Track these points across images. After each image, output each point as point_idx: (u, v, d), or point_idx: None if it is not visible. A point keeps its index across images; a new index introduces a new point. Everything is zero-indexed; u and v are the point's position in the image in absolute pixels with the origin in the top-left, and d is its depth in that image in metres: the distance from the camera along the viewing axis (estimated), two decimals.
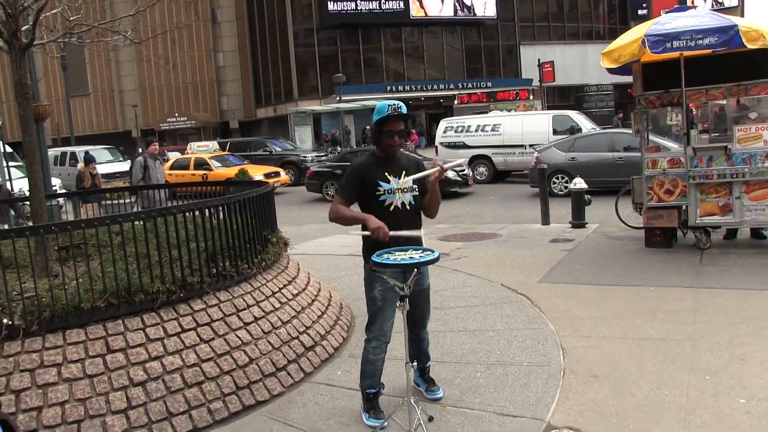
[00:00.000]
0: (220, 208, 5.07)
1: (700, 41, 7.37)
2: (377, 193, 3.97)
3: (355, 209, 4.04)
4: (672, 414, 3.89)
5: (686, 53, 7.94)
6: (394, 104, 3.94)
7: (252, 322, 4.86)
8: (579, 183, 10.95)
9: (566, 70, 42.04)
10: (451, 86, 41.05)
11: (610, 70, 8.48)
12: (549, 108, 29.98)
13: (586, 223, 10.81)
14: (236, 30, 48.65)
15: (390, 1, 40.73)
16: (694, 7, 8.35)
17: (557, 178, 15.48)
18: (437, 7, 41.88)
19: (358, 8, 40.33)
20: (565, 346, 5.17)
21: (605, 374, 4.57)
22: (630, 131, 16.57)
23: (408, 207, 4.00)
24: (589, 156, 15.08)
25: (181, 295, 4.59)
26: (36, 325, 4.09)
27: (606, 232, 10.18)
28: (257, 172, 19.18)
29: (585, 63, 44.96)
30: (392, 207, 3.97)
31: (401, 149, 4.11)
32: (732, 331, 5.23)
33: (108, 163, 24.29)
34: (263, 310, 5.04)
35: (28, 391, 3.89)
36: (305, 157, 24.73)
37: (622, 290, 6.70)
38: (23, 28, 5.70)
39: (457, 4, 42.19)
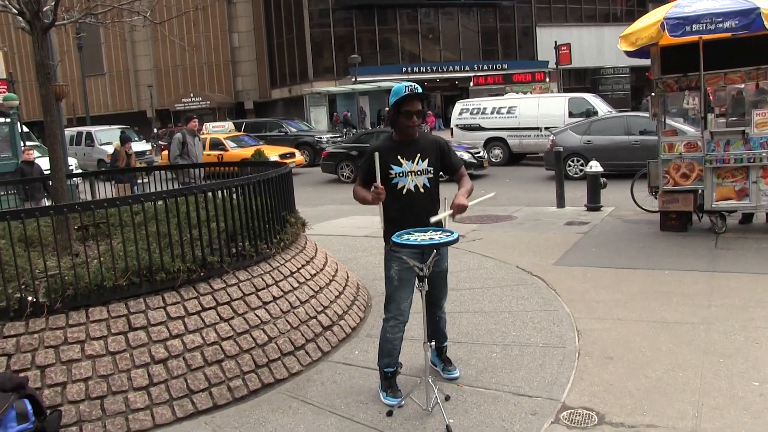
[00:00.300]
0: (240, 189, 5.11)
1: (721, 24, 7.29)
2: (390, 176, 4.01)
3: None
4: (686, 396, 3.92)
5: (705, 36, 7.86)
6: (411, 85, 3.97)
7: (271, 302, 4.94)
8: (595, 166, 10.91)
9: (582, 53, 41.55)
10: (467, 68, 40.77)
11: (628, 53, 8.43)
12: (565, 91, 29.78)
13: (602, 206, 10.79)
14: (251, 10, 48.51)
15: None
16: None
17: (573, 161, 15.43)
18: None
19: None
20: (581, 328, 5.21)
21: (620, 356, 4.61)
22: (646, 114, 16.55)
23: (422, 190, 4.03)
24: (605, 139, 15.01)
25: (202, 274, 4.67)
26: (60, 303, 4.19)
27: (621, 215, 10.17)
28: (273, 153, 19.24)
29: (601, 45, 44.46)
30: (405, 190, 4.01)
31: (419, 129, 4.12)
32: (746, 314, 5.25)
33: None
34: (282, 290, 5.11)
35: (53, 367, 4.00)
36: (320, 138, 24.75)
37: (637, 273, 6.72)
38: (44, 9, 5.75)
39: None
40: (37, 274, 4.37)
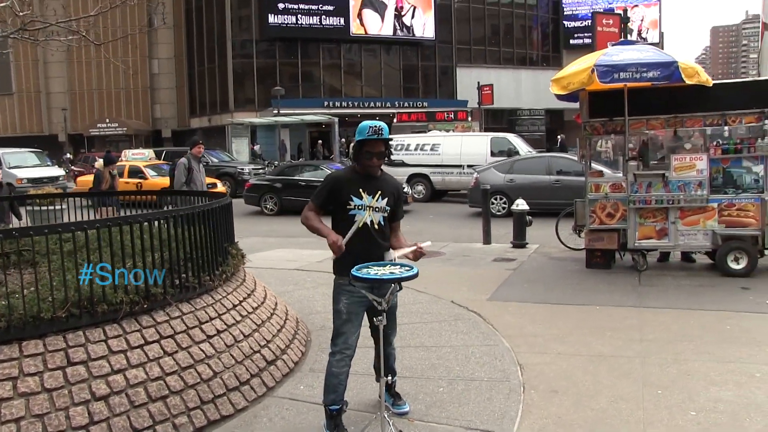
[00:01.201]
0: (184, 218, 4.97)
1: (645, 74, 7.77)
2: (348, 207, 4.01)
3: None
4: (631, 426, 4.06)
5: (630, 84, 8.34)
6: (375, 126, 3.97)
7: (215, 335, 4.79)
8: (521, 204, 11.27)
9: (500, 94, 43.01)
10: (388, 104, 41.43)
11: (559, 96, 8.82)
12: (485, 130, 30.69)
13: (527, 243, 11.12)
14: (173, 37, 47.70)
15: (331, 17, 40.84)
16: (636, 41, 8.77)
17: (495, 199, 15.85)
18: (377, 26, 42.30)
19: (299, 22, 40.27)
20: (522, 362, 5.32)
21: (564, 389, 4.72)
22: (568, 156, 17.30)
23: (376, 226, 4.05)
24: (527, 178, 15.54)
25: (145, 306, 4.48)
26: None
27: (547, 252, 10.50)
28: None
29: (518, 87, 46.36)
30: (361, 223, 4.02)
31: (377, 169, 4.13)
32: (676, 348, 5.51)
33: (35, 167, 23.30)
34: (225, 323, 4.97)
35: None
36: (242, 169, 24.43)
37: (569, 309, 6.94)
38: None
39: (396, 24, 42.73)
40: None
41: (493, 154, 19.58)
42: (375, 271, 3.68)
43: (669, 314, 6.57)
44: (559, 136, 35.34)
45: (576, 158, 16.23)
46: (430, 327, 6.37)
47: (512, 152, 19.25)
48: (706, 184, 8.40)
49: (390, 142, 4.08)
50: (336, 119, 31.30)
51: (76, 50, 44.11)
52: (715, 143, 8.66)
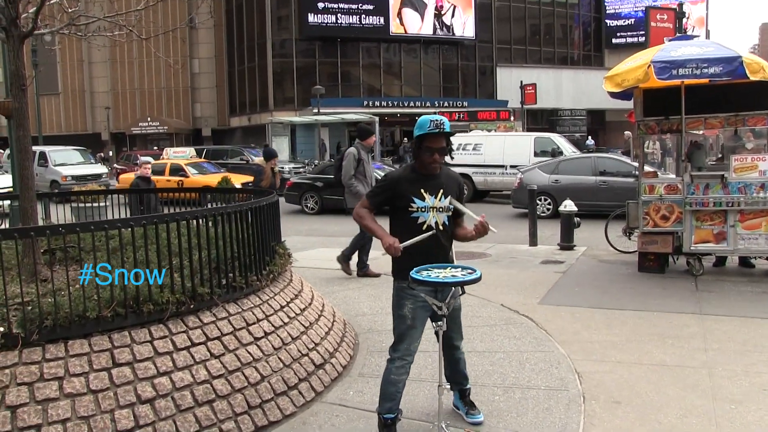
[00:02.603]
0: (232, 216, 4.83)
1: (706, 70, 7.40)
2: (410, 209, 3.82)
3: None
4: None
5: (686, 81, 7.98)
6: (437, 120, 3.77)
7: (262, 337, 4.64)
8: (569, 205, 10.93)
9: (540, 94, 42.40)
10: (427, 104, 41.17)
11: (612, 94, 8.50)
12: (528, 130, 30.22)
13: (575, 246, 10.79)
14: (213, 37, 48.22)
15: (370, 17, 40.79)
16: (696, 35, 8.44)
17: (540, 200, 15.49)
18: (417, 25, 42.10)
19: (338, 22, 40.31)
20: (580, 370, 5.06)
21: (627, 400, 4.46)
22: (614, 156, 16.88)
23: (441, 227, 3.85)
24: (573, 179, 15.14)
25: (191, 306, 4.35)
26: (36, 334, 3.82)
27: (596, 255, 10.17)
28: (236, 182, 18.83)
29: (559, 87, 45.62)
30: (425, 225, 3.82)
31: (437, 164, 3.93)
32: (746, 359, 5.18)
33: (79, 165, 23.67)
34: (273, 325, 4.82)
35: (26, 407, 3.60)
36: (282, 167, 24.43)
37: (625, 314, 6.64)
38: (23, 16, 5.43)
39: (436, 23, 42.48)
40: (9, 301, 3.99)
41: (536, 154, 19.19)
42: (435, 274, 3.48)
43: (733, 322, 6.22)
44: (588, 138, 34.67)
45: (621, 159, 15.89)
46: (482, 331, 6.14)
47: (556, 152, 18.85)
48: None
49: (452, 137, 3.87)
50: (377, 118, 31.14)
51: (119, 50, 45.02)
52: None
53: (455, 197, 3.91)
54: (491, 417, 4.23)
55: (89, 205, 11.78)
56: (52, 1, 5.54)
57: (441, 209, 3.84)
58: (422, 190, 3.82)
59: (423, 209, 3.81)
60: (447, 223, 3.87)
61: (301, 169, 24.46)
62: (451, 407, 4.30)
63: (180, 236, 4.40)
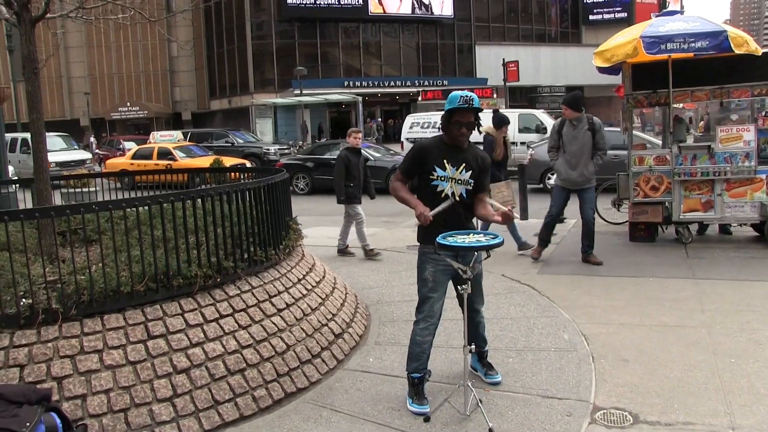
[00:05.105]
0: (250, 192, 4.98)
1: (693, 44, 7.65)
2: (431, 177, 4.02)
3: None
4: (711, 394, 4.05)
5: (673, 56, 8.22)
6: (466, 96, 3.95)
7: (284, 309, 4.82)
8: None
9: (519, 71, 42.86)
10: (408, 83, 41.28)
11: (600, 69, 8.71)
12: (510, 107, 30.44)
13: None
14: (191, 20, 47.63)
15: None
16: (681, 11, 8.66)
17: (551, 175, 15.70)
18: (395, 5, 41.99)
19: (317, 2, 40.07)
20: (586, 332, 5.31)
21: (634, 358, 4.72)
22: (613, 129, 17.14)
23: (457, 198, 4.05)
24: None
25: (218, 279, 4.52)
26: (74, 310, 3.97)
27: None
28: (228, 164, 18.83)
29: (537, 64, 45.83)
30: (443, 194, 4.03)
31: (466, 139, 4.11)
32: (741, 317, 5.48)
33: (62, 151, 23.47)
34: (293, 297, 5.01)
35: (71, 378, 3.77)
36: (268, 149, 24.48)
37: (623, 281, 6.92)
38: None
39: (415, 2, 42.38)
40: (46, 279, 4.13)
41: (520, 130, 19.42)
42: (461, 239, 3.69)
43: (726, 285, 6.52)
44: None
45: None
46: (487, 300, 6.18)
47: (540, 128, 19.12)
48: (754, 156, 8.28)
49: (480, 113, 4.05)
50: (360, 98, 31.18)
51: (96, 35, 44.33)
52: (764, 114, 8.53)
53: (477, 173, 4.08)
54: (508, 377, 4.47)
55: (78, 190, 11.78)
56: None
57: (460, 181, 4.03)
58: (445, 161, 4.01)
59: (443, 178, 4.01)
60: (464, 195, 4.07)
61: (287, 151, 24.48)
62: (469, 369, 4.53)
63: (205, 213, 4.55)
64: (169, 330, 4.16)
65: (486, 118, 6.25)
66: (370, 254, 8.74)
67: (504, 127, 9.03)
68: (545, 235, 8.32)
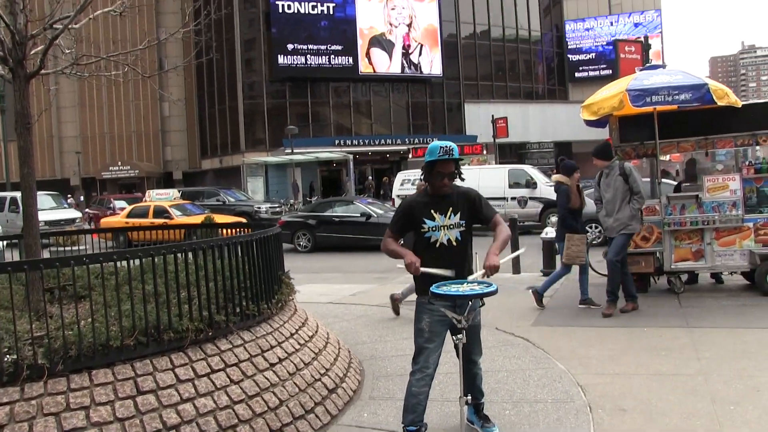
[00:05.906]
0: (242, 246, 4.98)
1: (677, 96, 7.82)
2: (422, 230, 4.04)
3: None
4: None
5: (659, 108, 8.39)
6: (446, 146, 4.00)
7: (277, 363, 4.75)
8: (550, 233, 11.24)
9: (508, 127, 43.57)
10: (398, 141, 41.78)
11: (588, 122, 8.88)
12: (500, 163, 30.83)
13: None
14: (183, 80, 48.42)
15: (339, 57, 41.43)
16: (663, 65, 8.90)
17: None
18: (385, 64, 42.87)
19: (308, 63, 40.84)
20: (582, 383, 5.25)
21: (632, 407, 4.65)
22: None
23: (454, 243, 4.07)
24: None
25: (209, 334, 4.46)
26: (61, 365, 3.89)
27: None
28: (221, 221, 18.85)
29: (526, 121, 46.61)
30: (438, 243, 4.04)
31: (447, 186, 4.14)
32: (737, 365, 5.44)
33: (51, 210, 23.44)
34: (286, 351, 4.94)
35: None
36: (259, 207, 24.55)
37: (617, 331, 6.88)
38: (32, 52, 5.58)
39: (404, 62, 43.31)
40: (32, 334, 4.06)
41: (510, 186, 19.63)
42: (455, 288, 3.68)
43: (720, 333, 6.49)
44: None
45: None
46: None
47: (530, 183, 19.33)
48: (741, 204, 8.37)
49: (460, 162, 4.10)
50: (350, 156, 31.48)
51: (88, 94, 44.86)
52: (747, 163, 8.67)
53: (467, 212, 4.09)
54: (505, 429, 4.39)
55: (68, 248, 11.71)
56: (57, 42, 5.68)
57: (451, 226, 4.05)
58: (432, 211, 4.04)
59: (434, 228, 4.04)
60: (459, 238, 4.08)
61: (278, 209, 24.55)
62: (465, 422, 4.45)
63: (197, 267, 4.53)
64: (159, 385, 4.08)
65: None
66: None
67: (576, 173, 8.66)
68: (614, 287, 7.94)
